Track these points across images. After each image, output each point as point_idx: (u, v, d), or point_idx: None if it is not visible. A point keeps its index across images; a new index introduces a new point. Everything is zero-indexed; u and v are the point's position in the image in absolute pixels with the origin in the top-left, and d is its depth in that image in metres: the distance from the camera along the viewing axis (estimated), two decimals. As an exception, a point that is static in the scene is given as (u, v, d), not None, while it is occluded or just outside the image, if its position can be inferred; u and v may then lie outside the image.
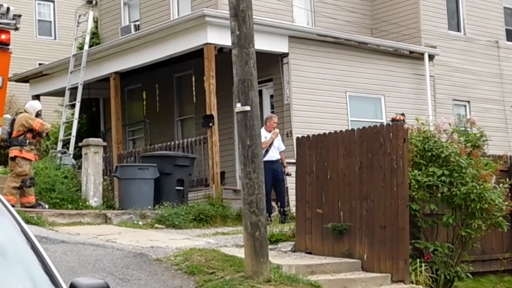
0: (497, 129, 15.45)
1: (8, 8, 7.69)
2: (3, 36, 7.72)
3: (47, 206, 11.08)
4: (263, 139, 10.06)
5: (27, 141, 10.78)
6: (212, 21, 12.60)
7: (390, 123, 9.47)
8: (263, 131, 10.69)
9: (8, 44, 7.81)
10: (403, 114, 12.48)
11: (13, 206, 10.52)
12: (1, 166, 12.97)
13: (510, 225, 9.08)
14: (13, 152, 10.80)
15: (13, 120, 10.95)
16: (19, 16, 7.79)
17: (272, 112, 13.72)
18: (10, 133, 10.81)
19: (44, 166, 12.36)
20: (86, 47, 14.99)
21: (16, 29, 7.81)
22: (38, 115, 11.06)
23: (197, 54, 13.14)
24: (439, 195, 8.47)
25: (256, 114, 7.22)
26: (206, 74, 12.57)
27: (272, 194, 11.29)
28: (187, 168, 12.15)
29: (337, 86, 14.22)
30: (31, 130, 10.85)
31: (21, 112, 11.28)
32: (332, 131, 9.08)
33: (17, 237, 2.87)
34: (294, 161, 9.72)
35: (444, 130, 8.82)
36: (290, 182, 10.97)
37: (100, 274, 6.81)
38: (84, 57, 14.73)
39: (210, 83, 12.49)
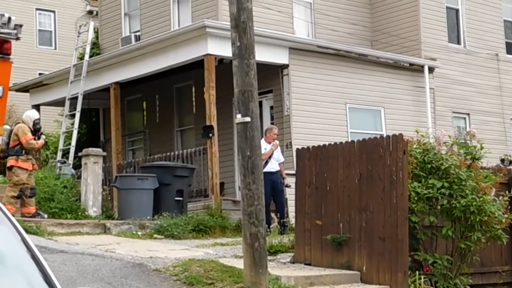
0: (496, 142, 15.47)
1: (9, 18, 7.72)
2: (4, 46, 7.74)
3: (46, 216, 11.07)
4: (263, 151, 10.14)
5: (23, 151, 10.83)
6: (213, 32, 12.65)
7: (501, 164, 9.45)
8: (263, 142, 10.74)
9: (9, 54, 7.83)
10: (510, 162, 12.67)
11: (24, 216, 10.45)
12: (1, 176, 12.97)
13: (509, 238, 9.07)
14: (10, 162, 10.85)
15: (11, 131, 11.02)
16: (21, 26, 7.81)
17: (272, 123, 13.73)
18: (8, 143, 10.87)
19: (44, 175, 12.36)
20: (86, 57, 15.03)
21: (17, 38, 7.84)
22: (35, 124, 11.11)
23: (197, 65, 13.17)
24: (439, 207, 8.47)
25: (256, 125, 7.23)
26: (206, 85, 12.59)
27: (272, 205, 11.29)
28: (186, 179, 12.14)
29: (337, 97, 14.24)
30: None
31: (18, 123, 11.31)
32: (332, 143, 9.09)
33: (18, 246, 2.87)
34: (293, 172, 9.72)
35: (444, 143, 8.83)
36: (290, 194, 10.96)
37: (98, 284, 6.79)
38: (85, 67, 14.76)
39: (210, 94, 12.51)
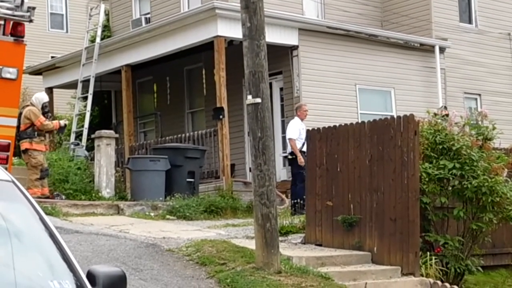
0: (508, 122, 15.38)
1: (22, 1, 7.75)
2: (18, 28, 7.78)
3: (64, 197, 11.19)
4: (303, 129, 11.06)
5: (36, 133, 10.84)
6: (222, 13, 12.63)
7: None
8: (298, 120, 11.25)
9: (22, 36, 7.87)
10: (445, 108, 12.49)
11: (39, 197, 10.44)
12: (16, 157, 13.10)
13: (521, 218, 9.06)
14: (24, 145, 10.89)
15: (20, 114, 10.98)
16: (33, 8, 7.83)
17: (282, 105, 13.78)
18: (18, 127, 10.86)
19: (58, 157, 12.48)
20: (97, 40, 15.07)
21: (31, 21, 7.86)
22: (44, 107, 11.07)
23: (207, 47, 13.18)
24: (450, 188, 8.47)
25: (267, 106, 7.25)
26: (216, 67, 12.61)
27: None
28: (197, 160, 12.21)
29: (347, 78, 14.21)
30: None
31: (27, 105, 11.26)
32: (342, 124, 9.10)
33: (36, 225, 2.93)
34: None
35: (456, 123, 8.81)
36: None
37: (113, 264, 6.89)
38: (96, 50, 14.81)
39: (220, 75, 12.53)
